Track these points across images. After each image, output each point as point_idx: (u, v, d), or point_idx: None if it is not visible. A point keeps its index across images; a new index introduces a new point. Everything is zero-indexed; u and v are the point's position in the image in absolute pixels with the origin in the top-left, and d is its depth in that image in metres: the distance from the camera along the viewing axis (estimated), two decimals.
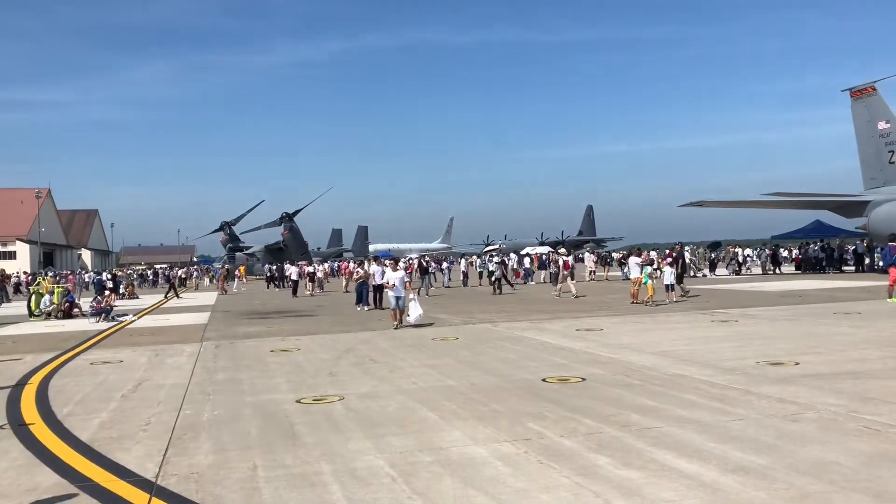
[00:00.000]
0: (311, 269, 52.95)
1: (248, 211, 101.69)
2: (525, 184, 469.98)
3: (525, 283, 51.54)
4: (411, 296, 23.96)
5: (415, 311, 23.18)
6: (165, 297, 49.88)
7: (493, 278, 40.82)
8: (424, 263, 46.11)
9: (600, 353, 15.79)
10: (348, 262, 66.76)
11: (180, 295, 51.62)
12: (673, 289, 30.35)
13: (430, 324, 23.39)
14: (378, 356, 16.64)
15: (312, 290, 47.20)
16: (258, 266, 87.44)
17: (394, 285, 23.48)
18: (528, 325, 22.40)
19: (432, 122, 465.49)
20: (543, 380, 13.09)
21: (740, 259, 58.66)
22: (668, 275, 30.52)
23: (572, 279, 35.74)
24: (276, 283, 63.55)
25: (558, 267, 38.80)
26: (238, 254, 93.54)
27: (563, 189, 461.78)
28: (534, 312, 26.79)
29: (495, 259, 44.13)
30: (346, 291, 45.56)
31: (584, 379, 13.03)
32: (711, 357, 14.76)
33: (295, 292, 45.86)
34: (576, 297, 33.50)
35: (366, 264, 39.32)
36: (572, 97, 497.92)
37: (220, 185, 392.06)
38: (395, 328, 22.39)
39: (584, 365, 14.41)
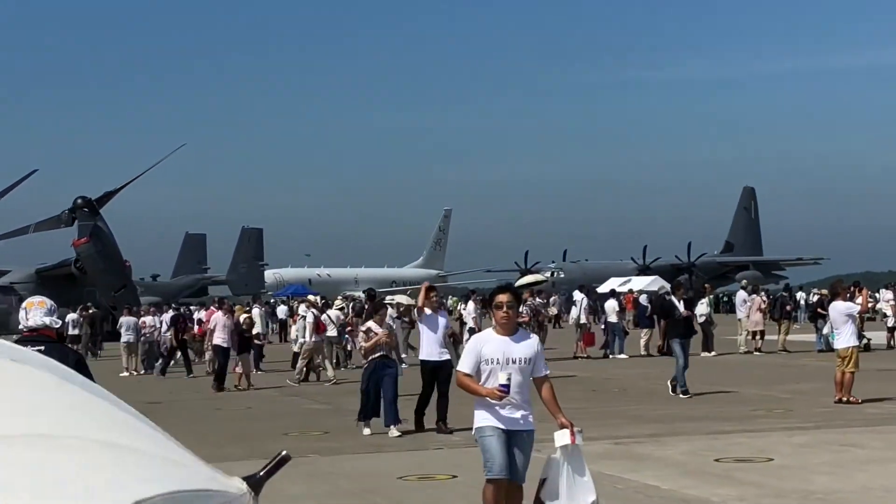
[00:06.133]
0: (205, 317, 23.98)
1: (3, 192, 48.77)
2: (608, 139, 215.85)
3: (606, 354, 26.71)
4: (568, 438, 6.57)
5: (583, 493, 6.57)
6: None
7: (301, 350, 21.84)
8: (532, 302, 23.49)
9: None
10: (224, 307, 24.14)
11: None
12: None
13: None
14: None
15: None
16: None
17: (503, 388, 6.56)
18: (609, 447, 11.60)
19: None
20: None
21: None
22: None
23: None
24: (91, 347, 33.12)
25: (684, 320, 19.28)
26: None
27: (695, 152, 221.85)
28: (623, 420, 14.45)
29: (336, 305, 24.90)
30: (212, 373, 22.14)
31: None
32: None
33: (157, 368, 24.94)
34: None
35: (390, 308, 17.89)
36: None
37: None
38: None
39: None
